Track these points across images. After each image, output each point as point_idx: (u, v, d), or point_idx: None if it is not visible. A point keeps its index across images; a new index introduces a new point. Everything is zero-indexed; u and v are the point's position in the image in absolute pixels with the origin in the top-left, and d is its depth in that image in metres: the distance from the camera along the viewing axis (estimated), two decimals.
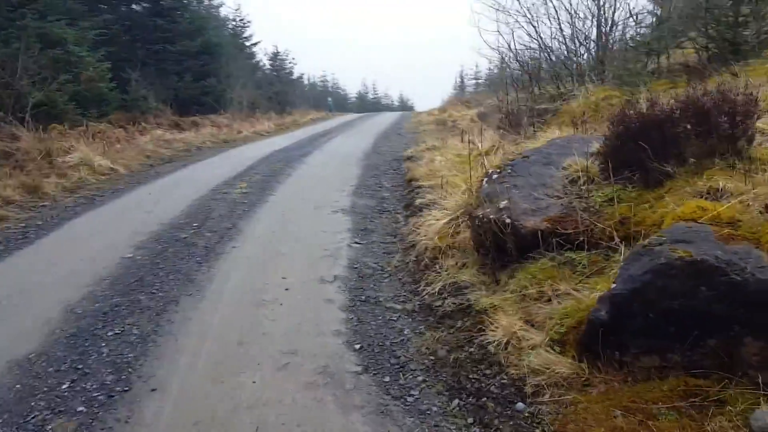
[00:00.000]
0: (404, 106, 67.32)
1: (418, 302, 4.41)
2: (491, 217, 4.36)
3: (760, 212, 3.17)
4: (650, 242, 3.11)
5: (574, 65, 9.50)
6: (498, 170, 5.00)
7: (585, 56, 10.24)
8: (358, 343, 3.75)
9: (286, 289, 4.62)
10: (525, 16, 15.25)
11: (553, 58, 10.27)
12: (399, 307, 4.36)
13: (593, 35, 10.74)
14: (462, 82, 57.21)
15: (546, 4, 15.97)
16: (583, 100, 8.05)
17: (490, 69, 37.83)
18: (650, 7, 10.66)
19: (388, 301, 4.46)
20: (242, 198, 7.93)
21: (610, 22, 10.40)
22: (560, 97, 8.88)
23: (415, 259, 5.27)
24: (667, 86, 7.78)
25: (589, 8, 11.23)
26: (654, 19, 9.58)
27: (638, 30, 10.14)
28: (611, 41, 10.09)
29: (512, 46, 12.00)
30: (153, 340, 3.79)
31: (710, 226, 3.20)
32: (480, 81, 49.54)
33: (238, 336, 3.81)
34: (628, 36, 10.07)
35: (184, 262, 5.26)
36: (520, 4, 25.80)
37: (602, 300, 2.96)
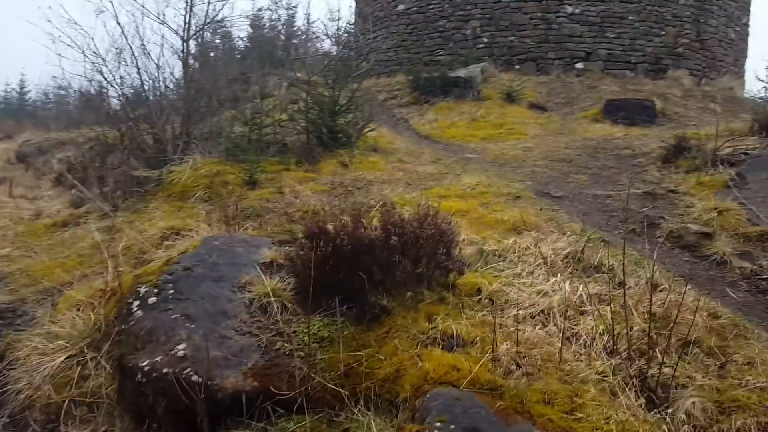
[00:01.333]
0: None
1: None
2: (169, 372, 3.00)
3: (512, 371, 2.93)
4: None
5: (168, 129, 8.36)
6: (154, 288, 3.59)
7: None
8: None
9: None
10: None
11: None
12: None
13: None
14: None
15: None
16: (191, 171, 7.07)
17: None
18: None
19: None
20: None
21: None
22: (161, 161, 7.64)
23: (9, 421, 3.32)
24: (281, 168, 7.53)
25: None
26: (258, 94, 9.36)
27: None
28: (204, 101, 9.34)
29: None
30: None
31: (476, 395, 2.79)
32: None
33: None
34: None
35: None
36: None
37: None
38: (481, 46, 14.55)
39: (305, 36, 27.25)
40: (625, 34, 14.00)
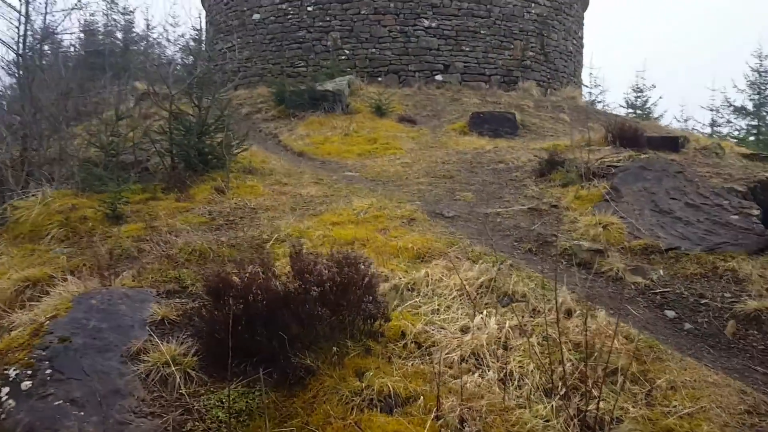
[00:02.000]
0: None
1: None
2: None
3: None
4: None
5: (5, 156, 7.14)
6: (27, 368, 2.92)
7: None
8: None
9: None
10: None
11: None
12: None
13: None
14: None
15: None
16: (42, 206, 6.10)
17: None
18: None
19: None
20: None
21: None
22: (1, 196, 6.52)
23: None
24: (146, 196, 6.78)
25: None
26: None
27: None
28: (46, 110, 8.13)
29: None
30: None
31: None
32: None
33: None
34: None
35: None
36: None
37: None
38: (343, 57, 14.43)
39: (146, 43, 25.43)
40: (479, 48, 14.65)
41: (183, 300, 3.87)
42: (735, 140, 22.11)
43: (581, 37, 17.47)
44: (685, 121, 28.17)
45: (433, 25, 14.45)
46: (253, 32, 15.44)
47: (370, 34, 14.48)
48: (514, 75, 14.92)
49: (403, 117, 11.63)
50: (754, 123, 25.69)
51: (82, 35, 25.49)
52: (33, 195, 6.44)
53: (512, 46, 14.93)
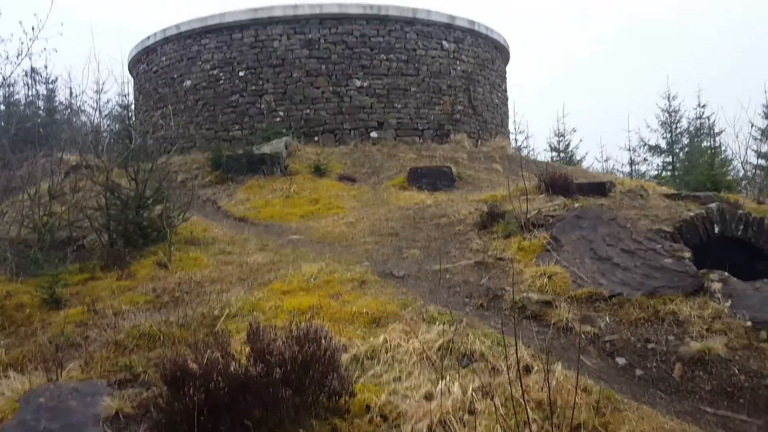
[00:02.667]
0: None
1: None
2: None
3: None
4: None
5: None
6: None
7: None
8: None
9: None
10: None
11: None
12: None
13: None
14: None
15: None
16: None
17: None
18: None
19: None
20: None
21: None
22: None
23: None
24: (85, 277, 6.52)
25: None
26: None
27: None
28: None
29: None
30: None
31: None
32: None
33: None
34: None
35: None
36: None
37: None
38: (278, 119, 14.54)
39: (69, 111, 24.72)
40: (411, 104, 15.12)
41: (136, 390, 3.70)
42: (655, 179, 23.49)
43: (505, 90, 18.34)
44: (605, 160, 29.68)
45: (365, 84, 14.84)
46: (185, 98, 15.40)
47: (304, 95, 14.71)
48: (445, 128, 15.43)
49: (342, 176, 11.78)
50: (669, 160, 27.47)
51: (1, 107, 24.65)
52: None
53: (442, 101, 15.49)
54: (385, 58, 14.98)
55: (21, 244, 7.11)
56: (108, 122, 23.61)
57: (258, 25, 14.89)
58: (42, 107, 25.92)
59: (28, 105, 25.74)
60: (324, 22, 14.83)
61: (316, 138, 14.45)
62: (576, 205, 7.06)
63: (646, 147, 27.73)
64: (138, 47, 16.79)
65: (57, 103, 26.40)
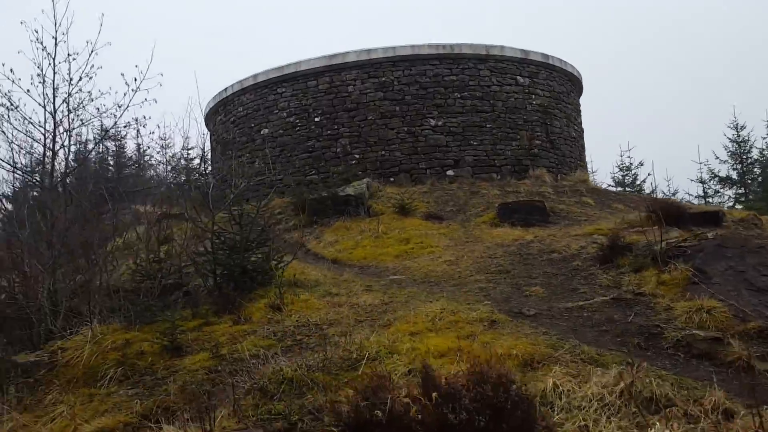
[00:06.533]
0: None
1: None
2: None
3: None
4: None
5: (41, 289, 6.75)
6: None
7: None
8: None
9: None
10: None
11: None
12: None
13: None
14: None
15: None
16: (93, 345, 5.67)
17: None
18: None
19: None
20: None
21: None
22: (39, 336, 6.07)
23: None
24: (199, 322, 6.39)
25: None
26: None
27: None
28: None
29: None
30: None
31: None
32: None
33: None
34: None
35: None
36: None
37: None
38: (353, 162, 14.53)
39: (137, 166, 25.27)
40: (487, 141, 14.88)
41: None
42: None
43: (580, 123, 17.91)
44: (674, 194, 28.48)
45: (440, 123, 14.73)
46: (262, 146, 15.62)
47: (379, 137, 14.69)
48: (523, 164, 15.07)
49: (428, 214, 11.52)
50: (742, 191, 26.21)
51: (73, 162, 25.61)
52: (78, 333, 6.03)
53: (519, 136, 15.19)
54: (459, 96, 14.88)
55: (131, 293, 7.10)
56: (174, 174, 24.15)
57: (332, 71, 15.08)
58: (112, 163, 26.80)
59: (99, 161, 26.66)
60: (397, 65, 14.91)
61: (391, 179, 14.33)
62: (710, 234, 6.53)
63: (717, 179, 26.56)
64: (215, 99, 17.27)
65: (126, 158, 27.26)
